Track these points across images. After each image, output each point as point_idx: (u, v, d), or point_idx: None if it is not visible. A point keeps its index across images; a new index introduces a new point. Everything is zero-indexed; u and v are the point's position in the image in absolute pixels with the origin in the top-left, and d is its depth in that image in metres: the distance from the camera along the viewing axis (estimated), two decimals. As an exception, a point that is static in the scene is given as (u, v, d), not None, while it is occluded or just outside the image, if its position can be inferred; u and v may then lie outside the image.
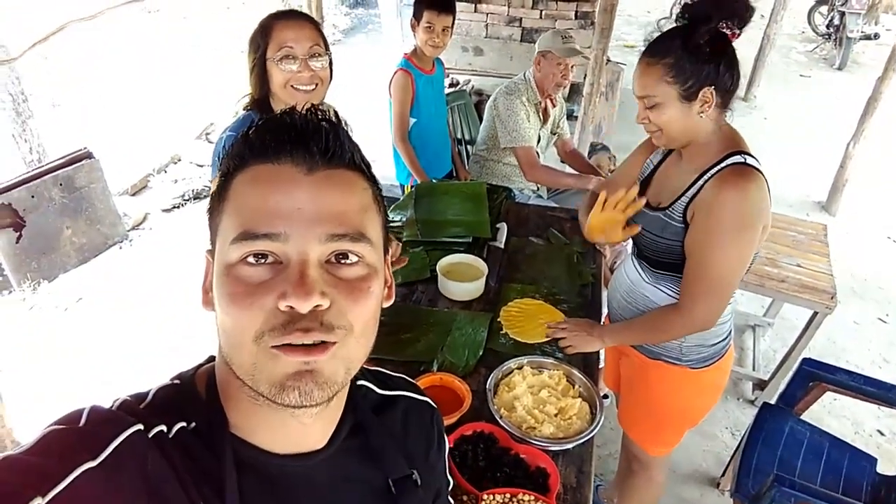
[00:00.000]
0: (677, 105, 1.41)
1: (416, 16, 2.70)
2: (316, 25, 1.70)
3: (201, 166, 4.92)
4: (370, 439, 0.73)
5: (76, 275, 3.76)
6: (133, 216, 4.30)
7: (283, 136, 0.59)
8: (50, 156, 4.18)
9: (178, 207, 4.54)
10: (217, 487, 0.59)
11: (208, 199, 0.67)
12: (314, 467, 0.67)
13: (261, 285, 0.56)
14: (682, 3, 1.44)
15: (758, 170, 1.40)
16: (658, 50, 1.42)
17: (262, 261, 0.57)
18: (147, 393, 0.63)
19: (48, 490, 0.47)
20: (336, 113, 0.63)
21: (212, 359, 0.69)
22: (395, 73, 2.79)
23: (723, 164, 1.41)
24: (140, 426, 0.56)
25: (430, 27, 2.67)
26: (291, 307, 0.55)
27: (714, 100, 1.40)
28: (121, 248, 4.06)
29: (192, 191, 4.67)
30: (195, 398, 0.64)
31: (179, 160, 5.05)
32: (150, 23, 8.21)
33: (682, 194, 1.47)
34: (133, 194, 4.63)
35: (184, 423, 0.61)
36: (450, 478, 0.92)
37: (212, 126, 5.24)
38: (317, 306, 0.55)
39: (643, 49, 1.47)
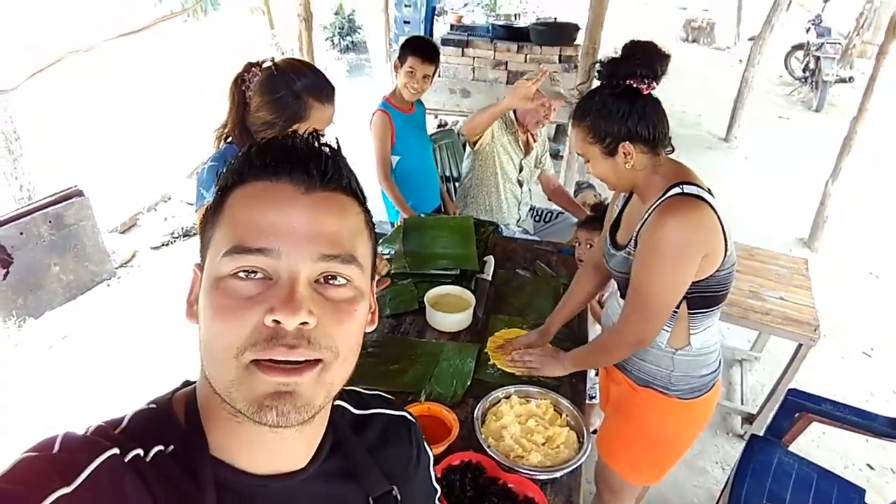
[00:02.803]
0: (603, 160, 1.55)
1: (401, 58, 2.78)
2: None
3: (191, 204, 4.94)
4: (349, 458, 0.73)
5: (62, 312, 3.73)
6: (121, 254, 4.29)
7: (283, 156, 0.60)
8: (40, 193, 4.19)
9: (167, 245, 4.54)
10: None
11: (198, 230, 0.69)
12: (295, 488, 0.66)
13: (249, 300, 0.57)
14: (597, 66, 1.53)
15: (700, 197, 1.44)
16: (578, 113, 1.55)
17: (252, 276, 0.57)
18: (122, 418, 0.62)
19: None
20: (337, 140, 0.66)
21: (187, 383, 0.69)
22: (374, 113, 2.86)
23: (664, 197, 1.47)
24: (115, 450, 0.55)
25: (411, 72, 2.75)
26: (278, 322, 0.55)
27: (635, 151, 1.49)
28: (108, 285, 4.04)
29: (182, 228, 4.67)
30: (172, 421, 0.64)
31: (169, 199, 5.07)
32: (144, 64, 8.32)
33: (636, 230, 1.54)
34: (122, 232, 4.63)
35: (161, 447, 0.60)
36: (437, 485, 0.92)
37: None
38: (303, 324, 0.56)
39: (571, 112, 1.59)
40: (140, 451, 0.58)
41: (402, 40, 2.89)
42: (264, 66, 1.68)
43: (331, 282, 0.60)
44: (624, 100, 1.47)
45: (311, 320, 0.56)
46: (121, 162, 5.64)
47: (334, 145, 0.64)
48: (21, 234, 3.53)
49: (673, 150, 1.56)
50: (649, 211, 1.49)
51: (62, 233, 3.76)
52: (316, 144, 0.62)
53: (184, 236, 4.63)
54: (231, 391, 0.57)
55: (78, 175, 4.54)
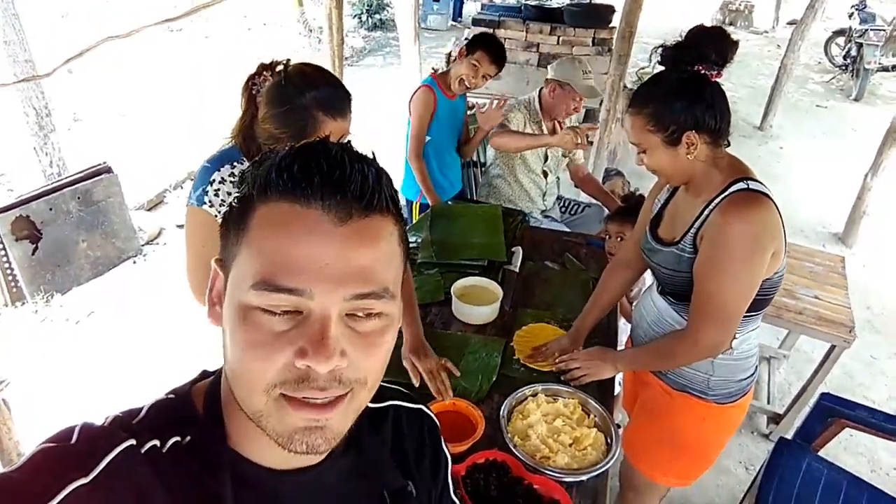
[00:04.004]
0: (663, 150, 1.46)
1: (470, 49, 2.69)
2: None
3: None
4: (364, 452, 0.72)
5: (89, 288, 3.79)
6: (148, 231, 4.33)
7: (316, 176, 0.54)
8: (69, 169, 4.24)
9: (193, 223, 4.57)
10: (211, 502, 0.58)
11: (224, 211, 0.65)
12: (311, 482, 0.66)
13: (279, 336, 0.54)
14: (660, 51, 1.46)
15: (765, 194, 1.39)
16: (639, 100, 1.47)
17: (282, 311, 0.55)
18: (141, 408, 0.62)
19: None
20: (373, 153, 0.60)
21: (205, 374, 0.69)
22: (419, 88, 2.80)
23: (726, 193, 1.41)
24: (132, 441, 0.55)
25: (475, 67, 2.67)
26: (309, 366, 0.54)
27: (699, 141, 1.42)
28: (135, 262, 4.08)
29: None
30: (191, 412, 0.63)
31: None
32: (173, 41, 8.36)
33: (691, 226, 1.48)
34: (149, 209, 4.68)
35: (178, 438, 0.60)
36: (455, 499, 0.90)
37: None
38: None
39: (630, 98, 1.51)
40: (157, 443, 0.58)
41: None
42: (276, 70, 1.54)
43: (361, 314, 0.57)
44: (691, 86, 1.40)
45: (344, 362, 0.55)
46: (149, 139, 5.69)
47: (371, 155, 0.58)
48: (50, 209, 3.57)
49: (730, 144, 1.49)
50: (709, 207, 1.43)
51: (90, 209, 3.80)
52: (355, 163, 0.55)
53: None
54: (261, 420, 0.57)
55: (106, 152, 4.58)
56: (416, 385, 1.65)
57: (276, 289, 0.53)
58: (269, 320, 0.54)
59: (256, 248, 0.56)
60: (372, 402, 0.77)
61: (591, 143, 2.59)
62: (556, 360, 1.77)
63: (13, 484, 0.49)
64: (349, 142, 0.59)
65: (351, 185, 0.54)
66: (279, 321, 0.54)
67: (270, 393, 0.55)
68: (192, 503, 0.57)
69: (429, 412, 0.85)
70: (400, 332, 1.71)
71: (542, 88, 2.89)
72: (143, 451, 0.56)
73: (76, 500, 0.49)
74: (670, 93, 1.41)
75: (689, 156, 1.44)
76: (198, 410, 0.64)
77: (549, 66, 2.87)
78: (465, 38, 6.28)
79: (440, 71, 2.88)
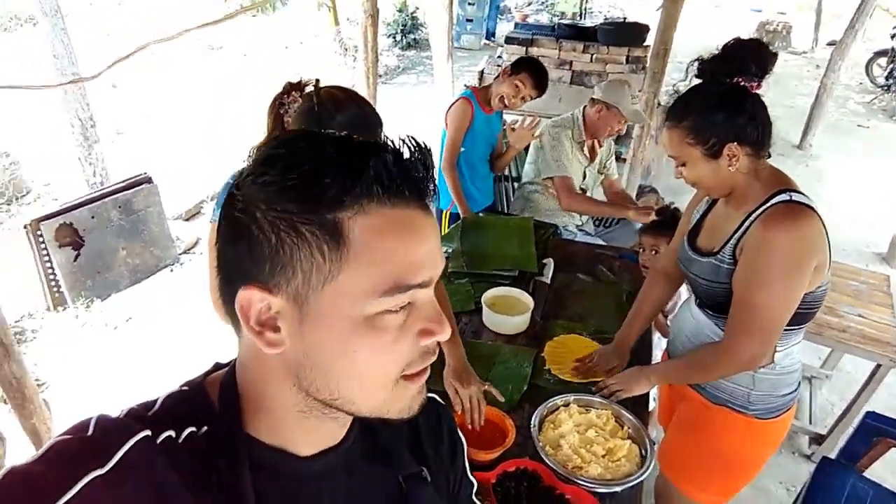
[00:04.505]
0: (704, 163, 1.44)
1: (516, 70, 2.72)
2: None
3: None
4: (379, 437, 0.73)
5: (128, 295, 3.88)
6: (185, 240, 4.42)
7: (405, 177, 0.56)
8: (111, 179, 4.36)
9: (229, 234, 4.65)
10: (229, 491, 0.58)
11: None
12: (328, 466, 0.67)
13: (402, 329, 0.58)
14: (696, 64, 1.44)
15: (808, 206, 1.36)
16: (677, 113, 1.45)
17: (401, 306, 0.58)
18: (155, 400, 0.63)
19: (55, 500, 0.47)
20: (424, 143, 0.61)
21: (218, 366, 0.69)
22: (457, 100, 2.83)
23: (768, 204, 1.39)
24: (148, 432, 0.55)
25: (518, 88, 2.70)
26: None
27: (740, 153, 1.39)
28: (172, 270, 4.17)
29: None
30: (206, 403, 0.63)
31: (232, 188, 5.20)
32: (213, 59, 8.60)
33: (731, 237, 1.45)
34: (187, 219, 4.79)
35: (193, 428, 0.60)
36: (472, 479, 0.90)
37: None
38: None
39: (667, 111, 1.49)
40: (172, 433, 0.58)
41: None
42: (306, 90, 1.52)
43: None
44: (731, 98, 1.39)
45: None
46: (188, 152, 5.83)
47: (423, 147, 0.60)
48: (92, 217, 3.68)
49: (770, 156, 1.47)
50: (750, 218, 1.41)
51: (130, 218, 3.90)
52: (419, 155, 0.59)
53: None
54: (386, 406, 0.60)
55: (147, 163, 4.71)
56: (458, 412, 1.54)
57: (407, 287, 0.56)
58: (393, 319, 0.57)
59: (376, 258, 0.55)
60: None
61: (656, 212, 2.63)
62: (574, 378, 1.76)
63: (31, 475, 0.49)
64: (411, 137, 0.60)
65: (426, 182, 0.59)
66: (400, 316, 0.58)
67: (396, 381, 0.59)
68: (210, 491, 0.57)
69: (441, 401, 0.86)
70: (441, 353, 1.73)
71: (585, 107, 2.88)
72: (158, 441, 0.56)
73: (93, 491, 0.49)
74: (710, 105, 1.39)
75: (730, 168, 1.41)
76: (212, 401, 0.64)
77: (596, 87, 2.86)
78: (499, 56, 6.33)
79: (478, 86, 2.90)
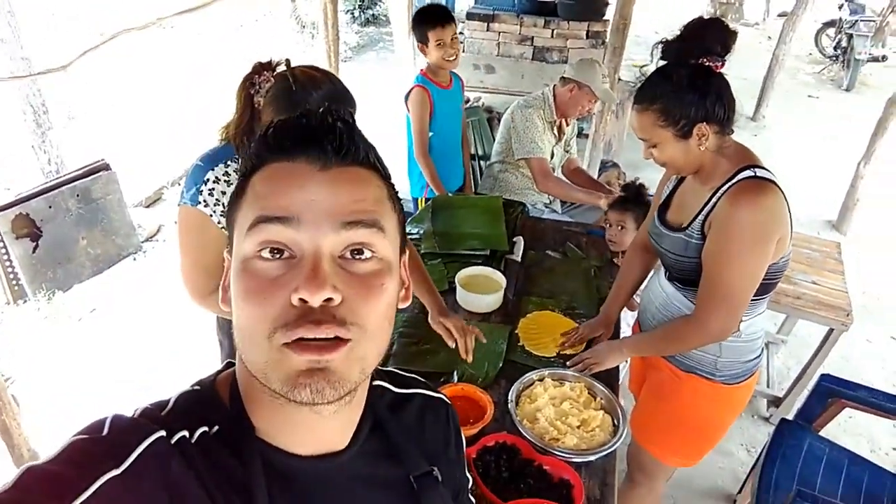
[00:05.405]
0: (675, 143, 1.48)
1: (421, 39, 2.72)
2: None
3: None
4: (390, 437, 0.73)
5: (90, 285, 3.78)
6: (147, 228, 4.33)
7: (298, 135, 0.60)
8: (68, 167, 4.23)
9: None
10: (242, 490, 0.59)
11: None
12: (338, 468, 0.67)
13: (275, 280, 0.56)
14: (660, 47, 1.48)
15: (772, 181, 1.43)
16: (646, 97, 1.49)
17: (277, 256, 0.57)
18: (168, 400, 0.63)
19: (72, 499, 0.48)
20: (351, 114, 0.64)
21: (230, 364, 0.69)
22: (412, 89, 2.81)
23: (734, 180, 1.45)
24: (162, 433, 0.56)
25: (440, 43, 2.68)
26: (304, 300, 0.54)
27: (710, 131, 1.45)
28: (135, 259, 4.08)
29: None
30: (217, 403, 0.64)
31: (193, 173, 5.09)
32: (165, 38, 8.32)
33: (699, 213, 1.51)
34: (147, 206, 4.67)
35: (206, 428, 0.61)
36: (469, 475, 0.92)
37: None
38: (328, 300, 0.55)
39: (633, 95, 1.53)
40: (186, 433, 0.59)
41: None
42: (277, 70, 1.52)
43: (356, 256, 0.59)
44: (698, 79, 1.43)
45: (336, 296, 0.56)
46: (144, 137, 5.67)
47: (349, 119, 0.63)
48: (49, 207, 3.57)
49: (733, 132, 1.52)
50: (717, 194, 1.47)
51: (89, 206, 3.79)
52: (330, 120, 0.61)
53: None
54: (266, 372, 0.57)
55: (103, 149, 4.57)
56: (453, 346, 1.74)
57: (266, 219, 0.57)
58: (266, 267, 0.57)
59: (251, 203, 0.60)
60: (397, 388, 0.79)
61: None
62: (560, 350, 1.82)
63: (48, 475, 0.50)
64: (330, 107, 0.63)
65: (330, 137, 0.60)
66: (274, 267, 0.57)
67: (272, 340, 0.55)
68: (223, 491, 0.58)
69: (448, 401, 0.86)
70: (422, 305, 1.81)
71: (554, 86, 2.89)
72: (172, 441, 0.57)
73: (109, 491, 0.50)
74: (680, 87, 1.43)
75: (700, 147, 1.46)
76: (223, 400, 0.65)
77: (567, 66, 2.87)
78: (460, 32, 6.28)
79: (427, 66, 2.87)
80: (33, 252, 3.50)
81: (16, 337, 3.27)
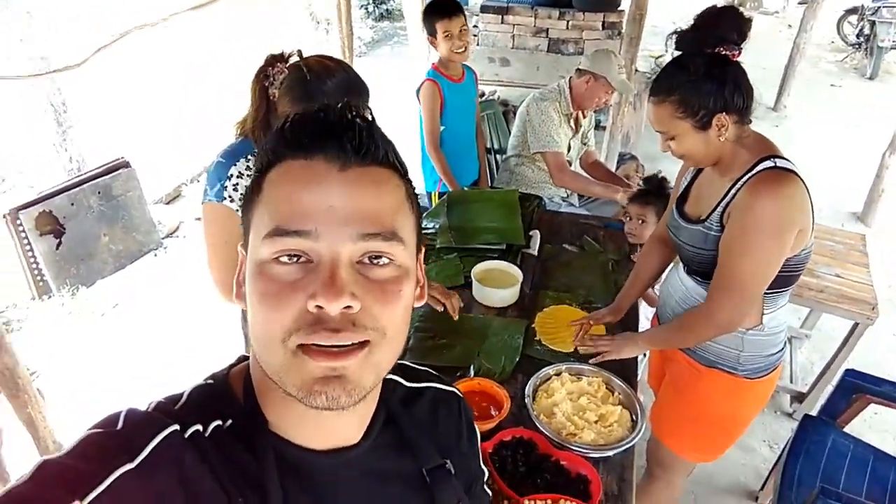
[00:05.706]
0: (694, 135, 1.45)
1: (431, 32, 2.71)
2: None
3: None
4: (402, 431, 0.73)
5: (113, 281, 3.84)
6: (167, 224, 4.38)
7: (316, 132, 0.58)
8: (89, 165, 4.28)
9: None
10: (255, 484, 0.59)
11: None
12: (351, 462, 0.67)
13: (291, 284, 0.56)
14: (675, 37, 1.45)
15: (793, 171, 1.40)
16: (662, 88, 1.46)
17: (294, 260, 0.56)
18: (181, 394, 0.63)
19: (87, 493, 0.48)
20: (370, 110, 0.63)
21: (243, 358, 0.70)
22: (423, 83, 2.80)
23: (754, 171, 1.42)
24: (176, 426, 0.57)
25: (448, 35, 2.66)
26: (321, 307, 0.54)
27: (729, 122, 1.42)
28: (155, 255, 4.14)
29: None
30: (230, 397, 0.65)
31: (212, 170, 5.13)
32: (181, 36, 8.38)
33: (718, 204, 1.49)
34: (167, 203, 4.73)
35: (219, 422, 0.61)
36: (484, 467, 0.91)
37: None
38: (347, 307, 0.55)
39: (649, 87, 1.50)
40: (199, 427, 0.59)
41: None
42: (290, 61, 1.53)
43: (374, 262, 0.58)
44: (716, 69, 1.40)
45: (355, 304, 0.55)
46: (163, 134, 5.73)
47: (368, 116, 0.62)
48: (72, 204, 3.63)
49: (752, 122, 1.49)
50: (736, 185, 1.44)
51: (110, 203, 3.85)
52: (349, 117, 0.59)
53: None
54: (281, 375, 0.57)
55: (123, 147, 4.62)
56: (441, 310, 1.85)
57: (284, 233, 0.56)
58: (282, 271, 0.56)
59: (267, 205, 0.59)
60: (410, 382, 0.79)
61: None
62: (579, 342, 1.79)
63: (63, 469, 0.50)
64: (349, 103, 0.61)
65: (349, 135, 0.58)
66: (291, 270, 0.56)
67: (287, 344, 0.55)
68: (237, 485, 0.58)
69: (460, 394, 0.86)
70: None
71: (571, 78, 2.86)
72: (186, 435, 0.57)
73: (123, 484, 0.50)
74: (697, 77, 1.40)
75: (720, 138, 1.43)
76: (237, 394, 0.65)
77: (583, 57, 2.84)
78: (475, 26, 6.25)
79: (438, 60, 2.86)
80: (57, 248, 3.56)
81: (41, 331, 3.33)
